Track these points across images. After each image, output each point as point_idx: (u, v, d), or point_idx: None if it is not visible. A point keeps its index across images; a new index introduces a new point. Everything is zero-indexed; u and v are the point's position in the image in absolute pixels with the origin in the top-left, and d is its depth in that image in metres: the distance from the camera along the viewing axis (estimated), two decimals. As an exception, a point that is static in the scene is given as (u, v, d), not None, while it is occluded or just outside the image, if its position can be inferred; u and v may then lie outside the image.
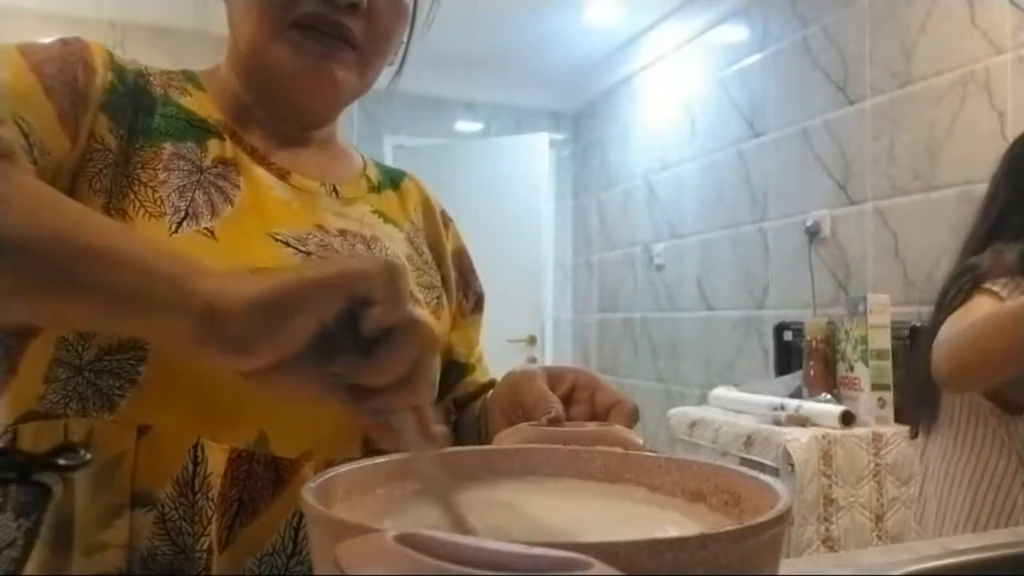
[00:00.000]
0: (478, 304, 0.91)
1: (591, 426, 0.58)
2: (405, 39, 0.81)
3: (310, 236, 0.71)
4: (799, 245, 2.79)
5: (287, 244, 0.69)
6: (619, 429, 0.58)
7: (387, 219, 0.82)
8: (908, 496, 1.91)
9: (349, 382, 0.43)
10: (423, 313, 0.77)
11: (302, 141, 0.79)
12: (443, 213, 0.92)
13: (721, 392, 2.41)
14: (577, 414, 0.65)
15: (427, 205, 0.90)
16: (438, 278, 0.85)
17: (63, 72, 0.65)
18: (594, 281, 4.61)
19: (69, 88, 0.65)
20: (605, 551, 0.27)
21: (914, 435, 1.47)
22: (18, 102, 0.62)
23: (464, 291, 0.90)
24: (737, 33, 3.22)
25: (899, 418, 1.95)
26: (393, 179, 0.88)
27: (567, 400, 0.65)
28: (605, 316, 4.45)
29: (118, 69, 0.70)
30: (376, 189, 0.84)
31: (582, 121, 4.80)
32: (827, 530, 1.84)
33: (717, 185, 3.34)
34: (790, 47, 2.89)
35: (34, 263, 0.46)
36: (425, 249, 0.85)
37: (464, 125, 4.75)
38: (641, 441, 0.56)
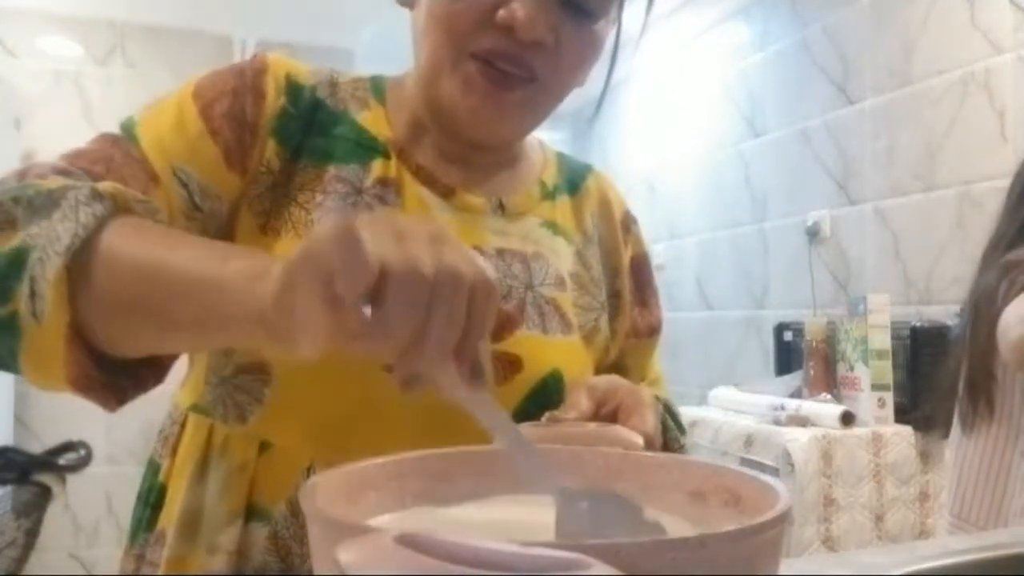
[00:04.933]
0: (655, 329, 0.87)
1: (591, 426, 0.58)
2: (607, 72, 0.78)
3: None
4: (799, 245, 2.79)
5: None
6: (619, 429, 0.58)
7: (557, 231, 0.79)
8: (908, 496, 1.91)
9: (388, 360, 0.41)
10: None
11: (475, 156, 0.76)
12: (626, 215, 0.87)
13: (721, 392, 2.41)
14: None
15: (606, 208, 0.85)
16: (602, 298, 0.80)
17: (232, 108, 0.66)
18: (594, 281, 4.60)
19: (237, 123, 0.66)
20: (605, 551, 0.27)
21: (944, 435, 1.46)
22: (180, 153, 0.64)
23: (640, 307, 0.85)
24: (737, 33, 3.22)
25: (900, 419, 1.95)
26: (572, 180, 0.84)
27: (611, 419, 0.63)
28: (605, 316, 4.44)
29: (294, 91, 0.70)
30: (551, 196, 0.81)
31: (582, 121, 4.79)
32: (827, 530, 1.84)
33: (717, 185, 3.34)
34: (790, 47, 2.89)
35: (124, 307, 0.51)
36: (595, 263, 0.81)
37: (464, 125, 4.74)
38: (641, 441, 0.56)
